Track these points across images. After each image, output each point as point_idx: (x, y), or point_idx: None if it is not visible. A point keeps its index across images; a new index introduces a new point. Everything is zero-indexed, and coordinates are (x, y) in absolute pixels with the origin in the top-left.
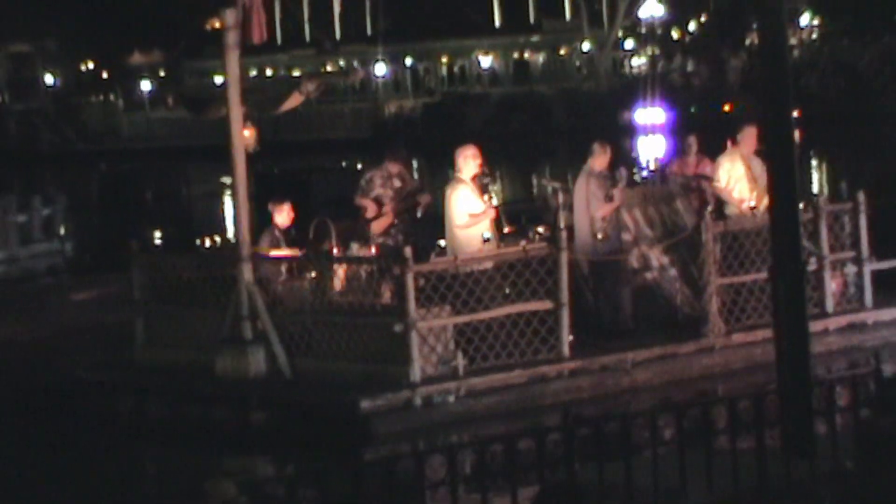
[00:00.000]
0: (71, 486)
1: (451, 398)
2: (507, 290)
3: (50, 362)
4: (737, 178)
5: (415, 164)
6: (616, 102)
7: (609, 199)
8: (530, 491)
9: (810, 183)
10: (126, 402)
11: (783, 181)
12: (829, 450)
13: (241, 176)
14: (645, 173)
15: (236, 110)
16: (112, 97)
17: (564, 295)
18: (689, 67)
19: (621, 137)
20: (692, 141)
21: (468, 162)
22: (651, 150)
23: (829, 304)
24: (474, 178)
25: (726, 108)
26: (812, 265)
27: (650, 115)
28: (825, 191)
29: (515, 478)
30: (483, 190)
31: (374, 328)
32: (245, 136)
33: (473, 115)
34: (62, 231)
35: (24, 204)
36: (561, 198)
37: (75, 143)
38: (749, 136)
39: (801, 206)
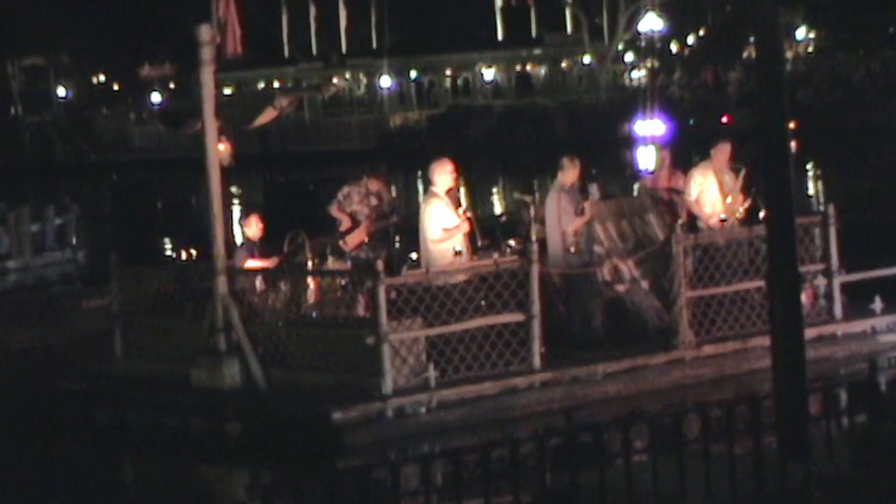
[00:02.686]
0: (49, 495)
1: (423, 409)
2: (483, 303)
3: (63, 369)
4: (708, 193)
5: (419, 173)
6: (616, 114)
7: (580, 212)
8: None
9: (807, 194)
10: (104, 412)
11: (779, 191)
12: (825, 454)
13: (216, 190)
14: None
15: (211, 125)
16: (124, 109)
17: (536, 307)
18: (688, 80)
19: (621, 149)
20: (665, 155)
21: (443, 176)
22: (650, 160)
23: None
24: (449, 191)
25: (724, 119)
26: None
27: (649, 126)
28: (822, 202)
29: (519, 482)
30: (458, 204)
31: (347, 340)
32: (220, 150)
33: (476, 127)
34: (75, 240)
35: (38, 214)
36: (532, 211)
37: (88, 155)
38: (721, 151)
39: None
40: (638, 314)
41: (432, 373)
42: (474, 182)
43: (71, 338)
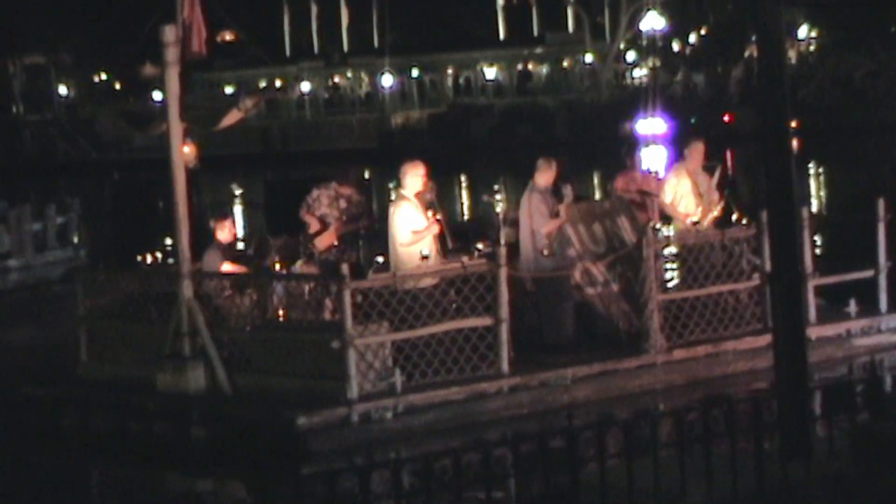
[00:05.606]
0: (14, 501)
1: (389, 415)
2: (455, 306)
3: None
4: (682, 194)
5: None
6: (618, 113)
7: (554, 215)
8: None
9: (808, 194)
10: (70, 416)
11: (780, 190)
12: (826, 453)
13: (181, 192)
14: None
15: (176, 127)
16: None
17: (504, 311)
18: (690, 79)
19: (622, 148)
20: (640, 156)
21: (414, 178)
22: (652, 160)
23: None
24: (418, 194)
25: (725, 118)
26: (756, 280)
27: (651, 125)
28: (823, 201)
29: (519, 481)
30: (427, 206)
31: (313, 344)
32: (185, 152)
33: (478, 125)
34: (76, 239)
35: (39, 212)
36: (501, 214)
37: (89, 154)
38: (695, 151)
39: (744, 221)
40: (608, 318)
41: (399, 377)
42: (475, 181)
43: (72, 337)
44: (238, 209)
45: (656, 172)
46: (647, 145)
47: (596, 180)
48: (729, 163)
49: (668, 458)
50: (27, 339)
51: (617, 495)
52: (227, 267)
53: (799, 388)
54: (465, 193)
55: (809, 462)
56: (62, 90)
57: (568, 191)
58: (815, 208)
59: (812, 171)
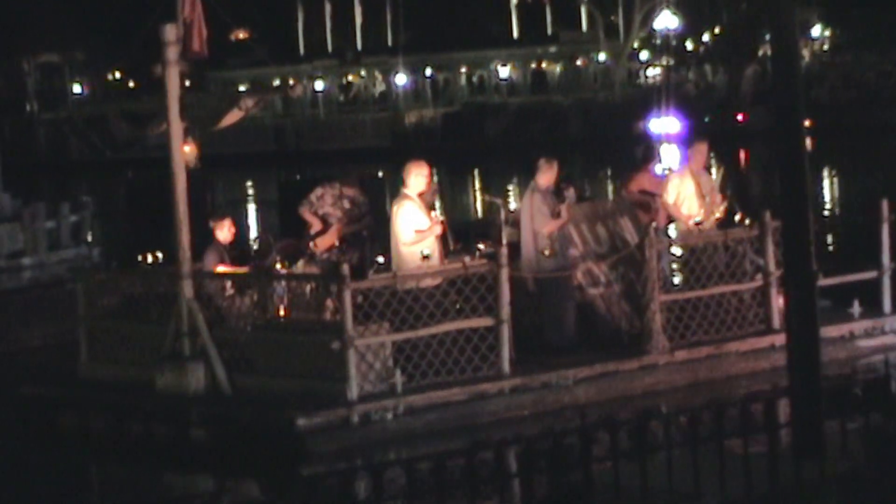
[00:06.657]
0: (13, 501)
1: (390, 416)
2: (456, 306)
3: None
4: (686, 195)
5: (434, 172)
6: (631, 112)
7: (556, 215)
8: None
9: (821, 193)
10: (69, 417)
11: (794, 190)
12: (839, 452)
13: (181, 192)
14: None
15: (176, 126)
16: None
17: (505, 312)
18: (703, 78)
19: (636, 146)
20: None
21: (418, 178)
22: (665, 158)
23: (776, 321)
24: (421, 194)
25: (739, 117)
26: (759, 281)
27: (664, 124)
28: (837, 201)
29: (531, 480)
30: (430, 206)
31: (313, 345)
32: (185, 151)
33: (492, 124)
34: (90, 237)
35: (53, 211)
36: (503, 214)
37: (103, 152)
38: (698, 152)
39: (747, 222)
40: (610, 319)
41: (399, 378)
42: (489, 180)
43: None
44: (251, 208)
45: (670, 171)
46: (662, 144)
47: (609, 179)
48: (742, 162)
49: (680, 458)
50: (39, 337)
51: (629, 495)
52: (221, 268)
53: (812, 387)
54: (478, 192)
55: (822, 461)
56: (76, 88)
57: (570, 192)
58: (827, 208)
59: (825, 171)
